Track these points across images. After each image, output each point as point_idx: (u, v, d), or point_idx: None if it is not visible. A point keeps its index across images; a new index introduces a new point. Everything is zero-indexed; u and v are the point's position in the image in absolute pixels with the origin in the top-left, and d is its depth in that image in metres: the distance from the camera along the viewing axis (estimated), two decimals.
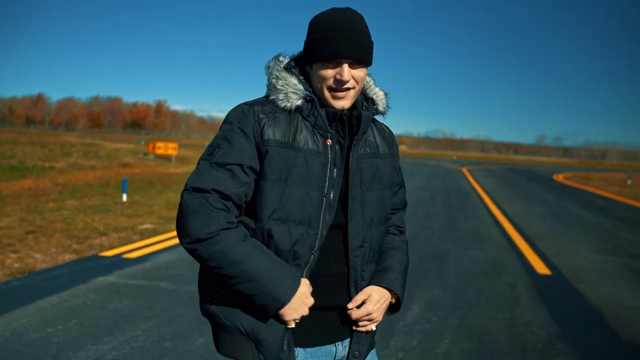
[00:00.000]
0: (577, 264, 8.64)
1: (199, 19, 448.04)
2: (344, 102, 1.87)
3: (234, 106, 1.92)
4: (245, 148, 1.81)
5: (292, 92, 1.87)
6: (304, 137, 1.85)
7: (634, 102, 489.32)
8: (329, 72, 1.83)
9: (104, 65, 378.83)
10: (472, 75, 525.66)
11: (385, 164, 2.05)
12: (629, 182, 34.28)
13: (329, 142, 1.87)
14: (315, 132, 1.87)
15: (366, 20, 1.92)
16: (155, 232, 9.56)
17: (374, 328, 1.99)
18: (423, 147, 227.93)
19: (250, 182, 1.82)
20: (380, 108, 2.06)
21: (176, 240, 8.82)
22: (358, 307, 1.94)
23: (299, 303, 1.80)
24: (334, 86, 1.84)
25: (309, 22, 1.92)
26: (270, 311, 1.79)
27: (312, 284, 1.87)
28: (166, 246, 8.46)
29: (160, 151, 32.68)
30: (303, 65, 1.95)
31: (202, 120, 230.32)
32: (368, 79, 2.06)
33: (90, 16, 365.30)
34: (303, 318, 1.84)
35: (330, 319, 1.95)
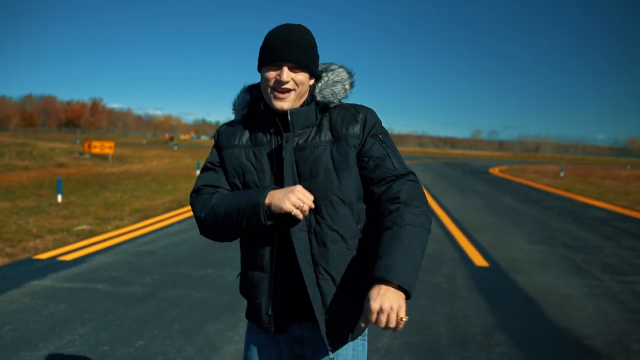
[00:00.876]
0: (513, 255, 8.87)
1: (133, 14, 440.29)
2: (282, 103, 2.01)
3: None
4: (215, 155, 2.18)
5: (239, 103, 2.16)
6: (254, 135, 2.10)
7: (564, 97, 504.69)
8: (271, 74, 2.00)
9: (36, 63, 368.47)
10: (409, 71, 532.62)
11: (331, 149, 2.03)
12: (562, 174, 35.36)
13: (273, 130, 2.07)
14: (263, 128, 2.09)
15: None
16: (91, 233, 9.33)
17: (404, 318, 1.70)
18: None
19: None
20: (321, 99, 2.07)
21: (114, 241, 8.68)
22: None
23: (281, 193, 1.93)
24: (274, 87, 2.00)
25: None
26: (258, 218, 1.94)
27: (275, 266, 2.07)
28: (103, 247, 8.25)
29: (96, 150, 31.97)
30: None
31: (139, 119, 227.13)
32: (325, 88, 2.09)
33: (20, 12, 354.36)
34: (258, 300, 2.08)
35: (285, 299, 2.07)
